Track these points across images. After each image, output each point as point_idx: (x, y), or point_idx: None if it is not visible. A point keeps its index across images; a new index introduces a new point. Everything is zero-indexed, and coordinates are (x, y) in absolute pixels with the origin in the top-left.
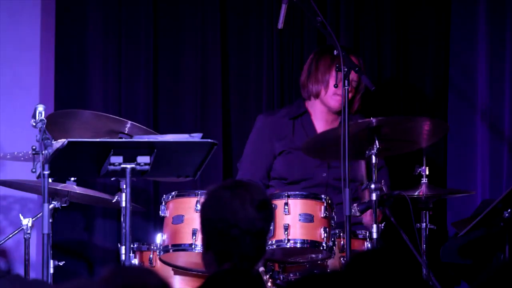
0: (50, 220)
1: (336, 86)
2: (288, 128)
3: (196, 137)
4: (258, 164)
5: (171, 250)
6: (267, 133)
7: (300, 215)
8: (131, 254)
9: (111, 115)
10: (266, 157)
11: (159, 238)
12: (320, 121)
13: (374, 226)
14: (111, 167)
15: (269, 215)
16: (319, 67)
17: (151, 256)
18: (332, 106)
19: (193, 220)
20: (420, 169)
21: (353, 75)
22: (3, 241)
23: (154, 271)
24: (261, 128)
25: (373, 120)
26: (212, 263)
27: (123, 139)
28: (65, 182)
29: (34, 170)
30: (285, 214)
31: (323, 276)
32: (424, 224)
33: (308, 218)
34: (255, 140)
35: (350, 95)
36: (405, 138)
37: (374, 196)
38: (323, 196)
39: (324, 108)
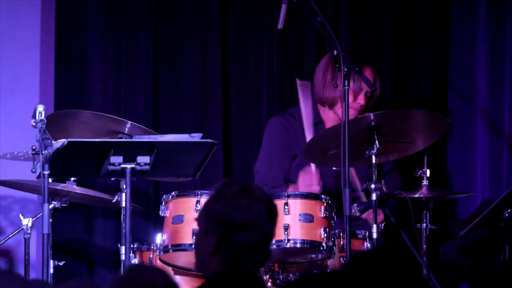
0: (50, 220)
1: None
2: (302, 137)
3: (196, 137)
4: (280, 166)
5: (171, 250)
6: (287, 134)
7: (300, 215)
8: (131, 254)
9: (111, 115)
10: (287, 159)
11: (159, 238)
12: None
13: (374, 226)
14: (111, 167)
15: (276, 220)
16: (335, 77)
17: (151, 256)
18: None
19: (193, 220)
20: (420, 171)
21: (365, 89)
22: (3, 241)
23: (162, 271)
24: (281, 129)
25: (371, 115)
26: (216, 267)
27: (123, 139)
28: (65, 182)
29: (34, 170)
30: (285, 214)
31: (323, 276)
32: (425, 224)
33: (308, 218)
34: (275, 141)
35: (362, 105)
36: (405, 137)
37: (374, 196)
38: (323, 196)
39: (336, 117)
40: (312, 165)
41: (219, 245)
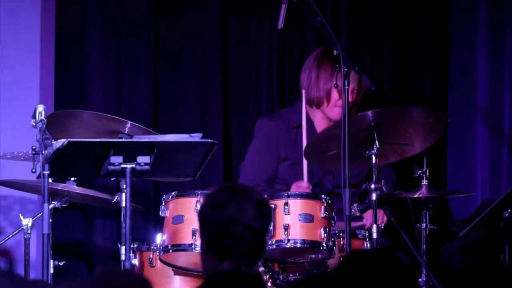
0: (50, 220)
1: (336, 86)
2: (291, 137)
3: (196, 137)
4: (264, 169)
5: (171, 250)
6: (273, 137)
7: (300, 215)
8: (131, 254)
9: (111, 115)
10: (272, 162)
11: (159, 238)
12: (322, 129)
13: (374, 226)
14: (111, 167)
15: (267, 214)
16: (320, 77)
17: (151, 256)
18: (332, 117)
19: (193, 220)
20: (420, 171)
21: (351, 87)
22: (3, 241)
23: (136, 272)
24: (267, 132)
25: (369, 113)
26: (213, 264)
27: (123, 139)
28: (65, 182)
29: (34, 170)
30: (285, 214)
31: (323, 276)
32: (424, 224)
33: (308, 218)
34: (261, 144)
35: (350, 102)
36: (405, 137)
37: (374, 196)
38: (323, 196)
39: (325, 116)
40: (305, 171)
41: (209, 241)
